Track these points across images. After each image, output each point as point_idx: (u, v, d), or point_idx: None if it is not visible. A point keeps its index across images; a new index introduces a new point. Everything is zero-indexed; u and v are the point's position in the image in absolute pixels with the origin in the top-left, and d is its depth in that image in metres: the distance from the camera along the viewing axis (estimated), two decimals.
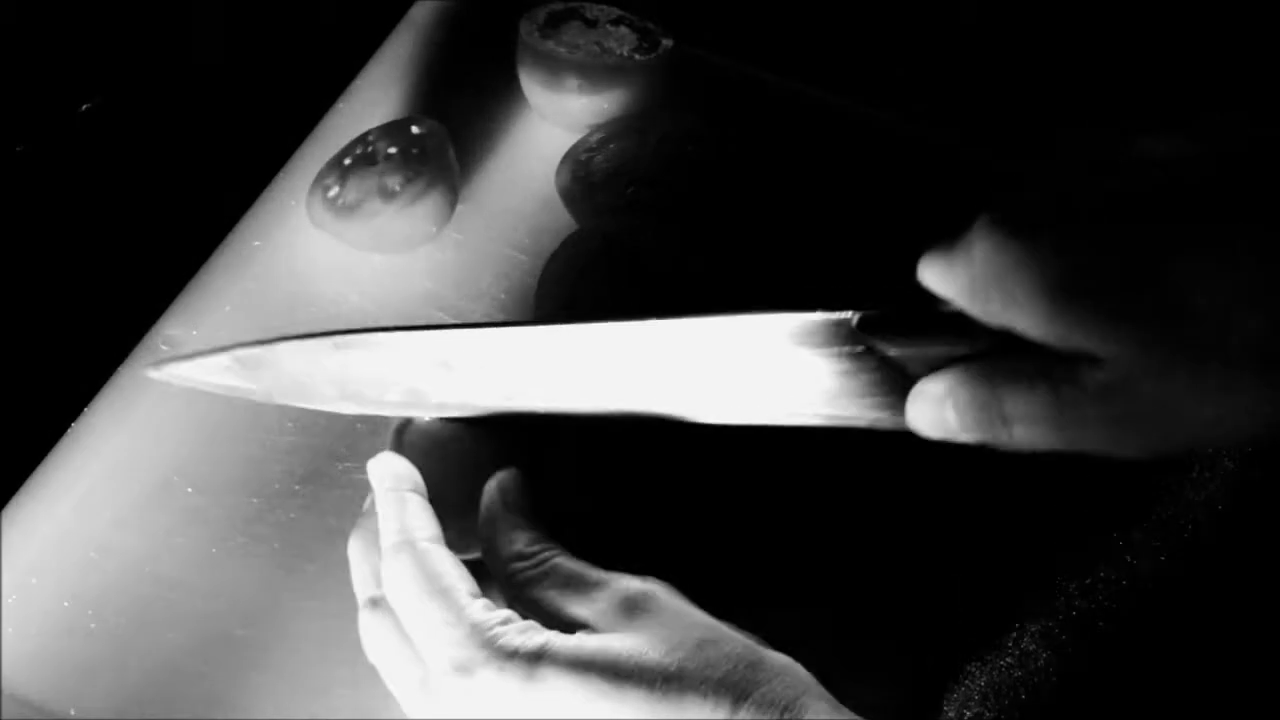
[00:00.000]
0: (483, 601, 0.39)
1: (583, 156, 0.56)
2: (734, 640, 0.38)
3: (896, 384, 0.39)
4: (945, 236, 0.35)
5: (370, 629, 0.42)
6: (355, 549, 0.44)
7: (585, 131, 0.57)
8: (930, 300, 0.36)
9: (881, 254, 0.55)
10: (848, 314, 0.39)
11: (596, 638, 0.37)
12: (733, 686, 0.36)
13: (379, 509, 0.42)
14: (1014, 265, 0.32)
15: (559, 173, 0.55)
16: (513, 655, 0.37)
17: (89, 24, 0.65)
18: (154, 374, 0.47)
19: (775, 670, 0.37)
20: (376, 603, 0.42)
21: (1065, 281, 0.31)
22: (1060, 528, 0.48)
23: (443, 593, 0.39)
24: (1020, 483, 0.48)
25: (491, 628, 0.38)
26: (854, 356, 0.39)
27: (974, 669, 0.45)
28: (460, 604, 0.39)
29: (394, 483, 0.43)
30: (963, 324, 0.35)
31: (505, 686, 0.37)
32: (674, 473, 0.48)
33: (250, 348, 0.46)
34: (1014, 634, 0.46)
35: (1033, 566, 0.47)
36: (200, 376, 0.47)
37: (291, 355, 0.45)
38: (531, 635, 0.38)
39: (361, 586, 0.43)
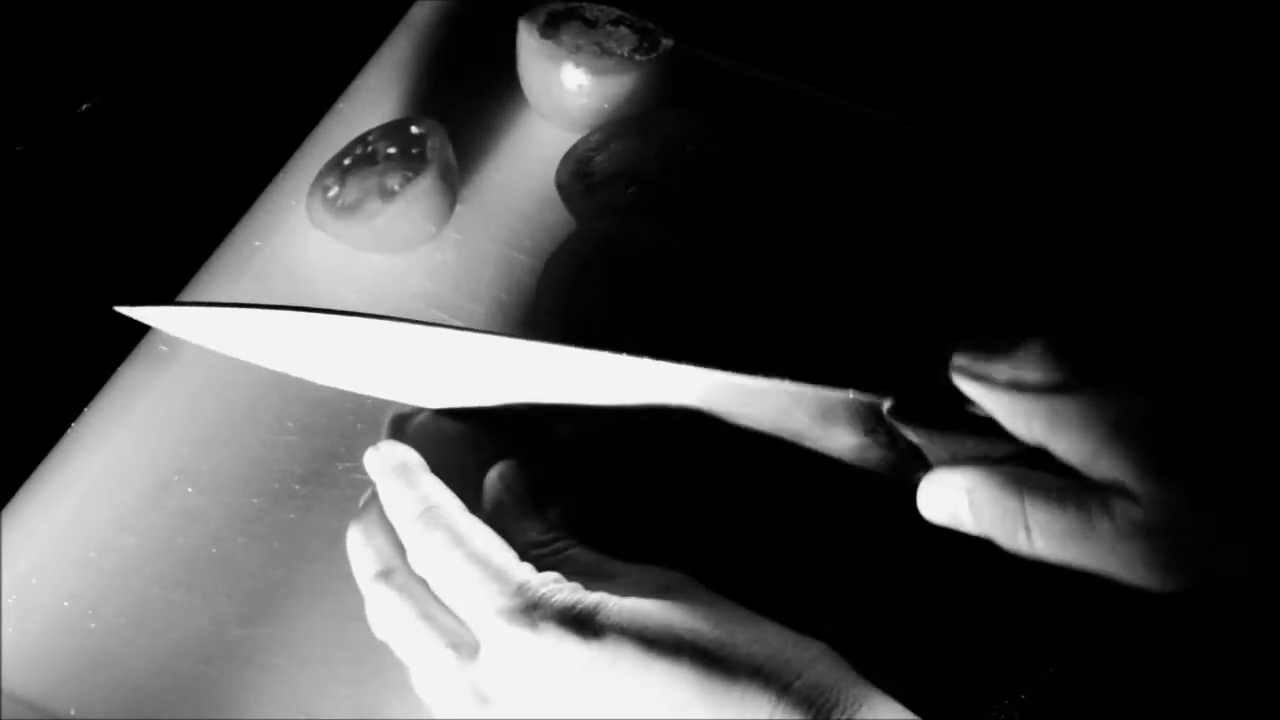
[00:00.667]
0: (528, 564, 0.39)
1: (583, 156, 0.56)
2: (772, 625, 0.37)
3: (913, 466, 0.39)
4: (973, 337, 0.35)
5: (382, 602, 0.40)
6: (356, 535, 0.43)
7: (585, 131, 0.57)
8: (960, 397, 0.37)
9: (881, 254, 0.55)
10: (882, 400, 0.39)
11: (650, 601, 0.37)
12: (779, 669, 0.35)
13: (388, 492, 0.42)
14: (1068, 397, 0.33)
15: (559, 172, 0.55)
16: (569, 610, 0.36)
17: (89, 24, 0.65)
18: (128, 310, 0.46)
19: (816, 655, 0.36)
20: (387, 574, 0.41)
21: (1118, 423, 0.32)
22: None
23: (486, 555, 0.38)
24: None
25: (546, 584, 0.37)
26: (875, 435, 0.40)
27: (993, 668, 0.45)
28: (507, 564, 0.38)
29: (400, 465, 0.42)
30: (993, 428, 0.36)
31: (563, 641, 0.36)
32: (676, 469, 0.48)
33: (270, 312, 0.45)
34: (1030, 641, 0.46)
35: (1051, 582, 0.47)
36: (205, 334, 0.45)
37: (311, 328, 0.45)
38: (584, 593, 0.37)
39: (366, 566, 0.42)
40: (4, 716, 0.44)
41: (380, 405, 0.49)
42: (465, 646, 0.38)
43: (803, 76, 0.61)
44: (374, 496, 0.43)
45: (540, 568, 0.39)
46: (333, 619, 0.46)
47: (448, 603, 0.39)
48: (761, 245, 0.55)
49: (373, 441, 0.49)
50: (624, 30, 0.57)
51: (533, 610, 0.37)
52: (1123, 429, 0.32)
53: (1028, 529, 0.35)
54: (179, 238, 0.57)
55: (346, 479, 0.49)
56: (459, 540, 0.39)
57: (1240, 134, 0.63)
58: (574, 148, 0.56)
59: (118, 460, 0.49)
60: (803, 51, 0.64)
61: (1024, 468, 0.36)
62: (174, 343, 0.52)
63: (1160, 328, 0.34)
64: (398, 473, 0.42)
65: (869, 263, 0.55)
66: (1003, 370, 0.35)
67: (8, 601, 0.46)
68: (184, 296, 0.54)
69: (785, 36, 0.66)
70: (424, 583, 0.40)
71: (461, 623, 0.39)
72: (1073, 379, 0.33)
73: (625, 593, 0.38)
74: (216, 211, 0.57)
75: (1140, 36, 0.66)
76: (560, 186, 0.55)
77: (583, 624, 0.36)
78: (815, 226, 0.56)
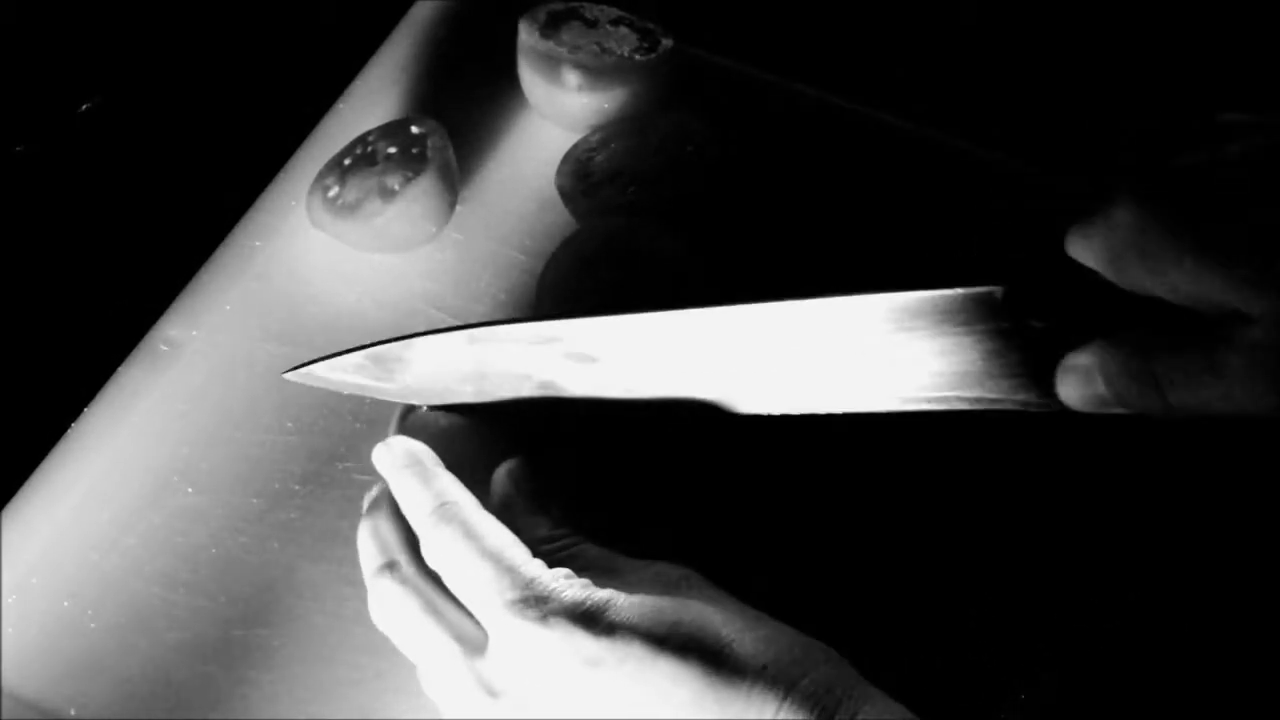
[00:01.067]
0: (539, 560, 0.39)
1: (583, 156, 0.56)
2: (778, 624, 0.37)
3: (1042, 361, 0.38)
4: (1085, 215, 0.35)
5: (385, 595, 0.40)
6: (365, 530, 0.42)
7: (585, 131, 0.57)
8: (1073, 274, 0.36)
9: (882, 253, 0.55)
10: (994, 288, 0.38)
11: (659, 598, 0.37)
12: (785, 668, 0.35)
13: (401, 487, 0.41)
14: (1156, 223, 0.33)
15: (559, 173, 0.55)
16: (579, 605, 0.36)
17: (89, 24, 0.65)
18: (290, 376, 0.47)
19: (821, 655, 0.36)
20: (392, 567, 0.40)
21: (1210, 240, 0.32)
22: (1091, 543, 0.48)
23: (498, 551, 0.38)
24: (1056, 499, 0.48)
25: (556, 579, 0.38)
26: (999, 334, 0.39)
27: (994, 668, 0.45)
28: (518, 560, 0.38)
29: (412, 460, 0.42)
30: (1107, 294, 0.35)
31: (572, 636, 0.36)
32: (684, 466, 0.48)
33: (386, 345, 0.45)
34: (1031, 641, 0.46)
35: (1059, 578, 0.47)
36: (334, 376, 0.46)
37: (426, 352, 0.45)
38: (594, 590, 0.37)
39: (370, 559, 0.41)
40: (4, 716, 0.44)
41: (380, 405, 0.49)
42: (471, 640, 0.38)
43: (803, 76, 0.61)
44: (382, 492, 0.43)
45: (550, 564, 0.39)
46: (334, 619, 0.46)
47: (459, 596, 0.39)
48: (761, 245, 0.55)
49: (372, 441, 0.49)
50: (624, 30, 0.57)
51: (542, 605, 0.37)
52: (1216, 245, 0.32)
53: (1158, 385, 0.34)
54: (179, 238, 0.57)
55: (346, 479, 0.49)
56: (471, 535, 0.39)
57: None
58: (574, 148, 0.56)
59: (118, 460, 0.49)
60: (802, 52, 0.64)
61: (1145, 329, 0.35)
62: (174, 342, 0.52)
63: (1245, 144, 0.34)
64: (411, 468, 0.42)
65: (869, 262, 0.55)
66: (1102, 222, 0.35)
67: (8, 601, 0.46)
68: (184, 296, 0.54)
69: (785, 36, 0.66)
70: (431, 577, 0.40)
71: (468, 617, 0.39)
72: (1165, 210, 0.33)
73: (634, 589, 0.38)
74: (216, 211, 0.57)
75: (1140, 36, 0.66)
76: (560, 186, 0.55)
77: (592, 620, 0.36)
78: (815, 227, 0.56)
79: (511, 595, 0.37)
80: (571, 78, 0.55)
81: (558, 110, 0.57)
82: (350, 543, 0.47)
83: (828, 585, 0.47)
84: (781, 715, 0.34)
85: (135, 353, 0.52)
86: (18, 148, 0.62)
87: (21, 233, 0.59)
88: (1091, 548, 0.48)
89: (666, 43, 0.56)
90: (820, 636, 0.37)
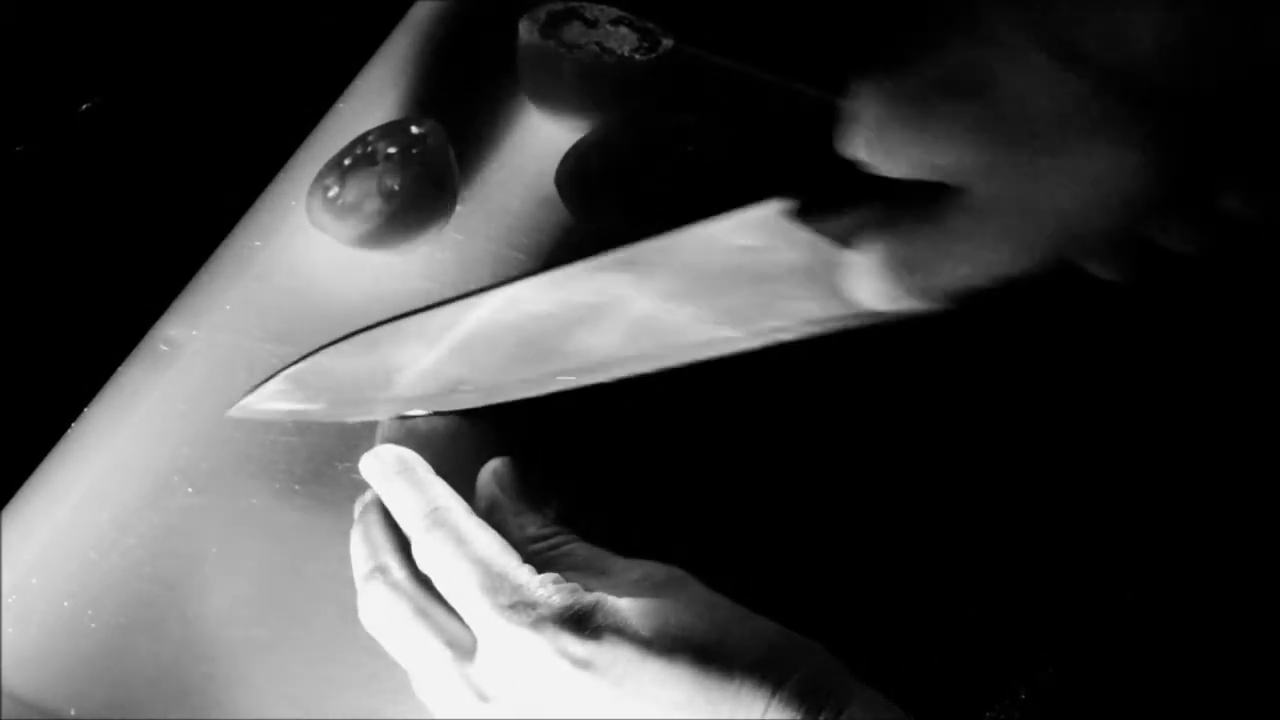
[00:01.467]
0: (528, 566, 0.39)
1: (582, 156, 0.56)
2: (766, 622, 0.38)
3: (830, 270, 0.40)
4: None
5: (374, 599, 0.40)
6: (356, 535, 0.43)
7: (585, 131, 0.57)
8: (852, 178, 0.39)
9: None
10: (778, 202, 0.40)
11: (647, 600, 0.37)
12: (774, 666, 0.35)
13: (393, 494, 0.42)
14: (883, 103, 0.36)
15: (559, 172, 0.55)
16: (567, 610, 0.37)
17: (89, 24, 0.65)
18: (234, 413, 0.48)
19: (809, 653, 0.37)
20: (382, 570, 0.41)
21: (921, 105, 0.35)
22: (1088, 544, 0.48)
23: (488, 557, 0.39)
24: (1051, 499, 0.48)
25: (545, 584, 0.38)
26: (796, 247, 0.40)
27: (993, 668, 0.45)
28: (508, 566, 0.38)
29: (403, 467, 0.42)
30: (879, 185, 0.38)
31: (560, 640, 0.36)
32: (670, 461, 0.48)
33: (293, 366, 0.46)
34: (1030, 641, 0.46)
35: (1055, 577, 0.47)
36: (266, 406, 0.47)
37: (333, 364, 0.45)
38: (582, 594, 0.37)
39: (362, 563, 0.42)
40: (4, 716, 0.44)
41: None
42: (461, 645, 0.38)
43: (802, 77, 0.61)
44: (374, 498, 0.43)
45: (537, 563, 0.39)
46: (333, 620, 0.46)
47: (450, 601, 0.39)
48: None
49: (372, 442, 0.49)
50: (624, 30, 0.57)
51: (531, 609, 0.37)
52: (921, 114, 0.35)
53: (912, 263, 0.37)
54: (179, 238, 0.57)
55: (346, 479, 0.49)
56: (462, 540, 0.39)
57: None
58: (574, 147, 0.56)
59: (118, 460, 0.49)
60: (802, 52, 0.64)
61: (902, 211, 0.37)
62: (174, 342, 0.52)
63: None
64: (402, 475, 0.42)
65: None
66: (853, 117, 0.37)
67: (8, 601, 0.46)
68: (184, 296, 0.54)
69: (785, 37, 0.66)
70: (422, 583, 0.40)
71: (459, 622, 0.39)
72: (890, 91, 0.36)
73: (622, 590, 0.38)
74: (216, 211, 0.57)
75: None
76: (560, 186, 0.55)
77: (580, 623, 0.36)
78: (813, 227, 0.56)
79: (501, 600, 0.37)
80: (571, 78, 0.55)
81: (557, 110, 0.57)
82: (349, 542, 0.47)
83: (819, 583, 0.47)
84: (770, 714, 0.34)
85: (135, 353, 0.52)
86: (18, 147, 0.62)
87: (21, 233, 0.59)
88: (1090, 547, 0.48)
89: (666, 43, 0.56)
90: (811, 634, 0.37)
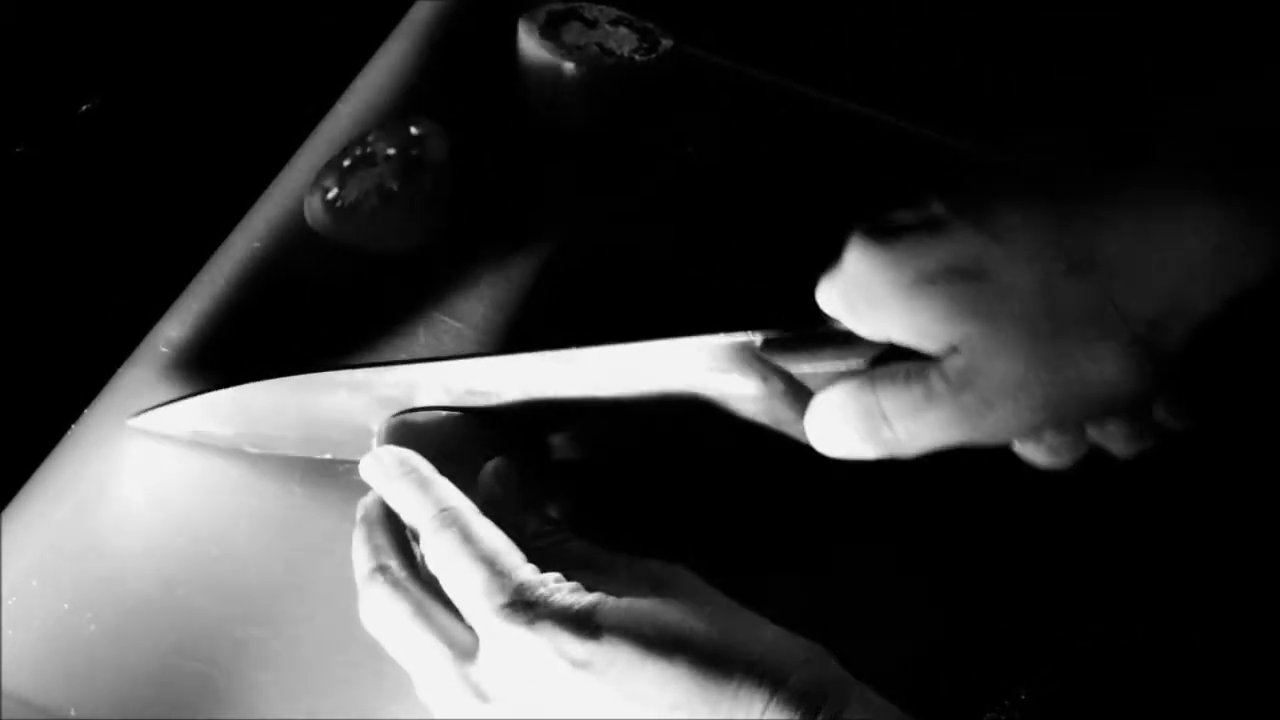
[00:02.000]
0: (531, 565, 0.39)
1: (580, 158, 0.56)
2: (764, 622, 0.38)
3: (804, 405, 0.41)
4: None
5: (375, 599, 0.40)
6: (358, 536, 0.43)
7: (586, 132, 0.57)
8: (824, 320, 0.40)
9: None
10: (752, 335, 0.41)
11: (646, 601, 0.37)
12: (773, 666, 0.35)
13: (398, 496, 0.42)
14: (875, 270, 0.37)
15: (557, 174, 0.55)
16: (567, 610, 0.37)
17: (89, 24, 0.65)
18: (132, 423, 0.49)
19: (810, 653, 0.37)
20: (382, 571, 0.41)
21: (916, 278, 0.37)
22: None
23: (491, 556, 0.39)
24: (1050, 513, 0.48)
25: (545, 584, 0.38)
26: (770, 381, 0.42)
27: (992, 668, 0.45)
28: (510, 565, 0.38)
29: (407, 469, 0.42)
30: (850, 339, 0.39)
31: (560, 640, 0.36)
32: (674, 463, 0.48)
33: (214, 393, 0.47)
34: (1030, 641, 0.46)
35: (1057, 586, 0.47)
36: (173, 425, 0.48)
37: (255, 399, 0.46)
38: (582, 594, 0.37)
39: (363, 563, 0.42)
40: (4, 717, 0.44)
41: None
42: (462, 645, 0.38)
43: (802, 77, 0.61)
44: (375, 499, 0.43)
45: (537, 562, 0.39)
46: (333, 619, 0.46)
47: (454, 600, 0.39)
48: (759, 246, 0.55)
49: (371, 441, 0.49)
50: (624, 30, 0.57)
51: (530, 609, 0.37)
52: (920, 282, 0.37)
53: (886, 418, 0.38)
54: (179, 239, 0.57)
55: (346, 479, 0.49)
56: (467, 540, 0.39)
57: None
58: (570, 150, 0.56)
59: (118, 461, 0.49)
60: (802, 52, 0.64)
61: (880, 367, 0.39)
62: (174, 343, 0.52)
63: (950, 194, 0.38)
64: (407, 476, 0.42)
65: None
66: (835, 269, 0.39)
67: (8, 603, 0.46)
68: (184, 299, 0.54)
69: (785, 36, 0.66)
70: (424, 583, 0.40)
71: (460, 622, 0.39)
72: (881, 253, 0.37)
73: (622, 589, 0.38)
74: (216, 213, 0.57)
75: (1140, 37, 0.66)
76: (556, 188, 0.55)
77: (579, 623, 0.36)
78: (813, 227, 0.56)
79: (501, 600, 0.37)
80: (572, 78, 0.55)
81: (558, 110, 0.57)
82: (350, 543, 0.47)
83: (819, 582, 0.47)
84: (769, 714, 0.34)
85: (135, 354, 0.52)
86: (18, 149, 0.62)
87: (22, 234, 0.59)
88: (1090, 548, 0.48)
89: (666, 43, 0.56)
90: (811, 635, 0.37)
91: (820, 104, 0.60)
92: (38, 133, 0.62)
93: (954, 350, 0.37)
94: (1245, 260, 0.34)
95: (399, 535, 0.42)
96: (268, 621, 0.46)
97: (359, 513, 0.43)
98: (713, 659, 0.35)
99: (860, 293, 0.38)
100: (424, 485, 0.41)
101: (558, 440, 0.47)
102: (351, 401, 0.46)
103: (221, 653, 0.45)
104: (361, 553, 0.42)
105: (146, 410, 0.48)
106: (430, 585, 0.40)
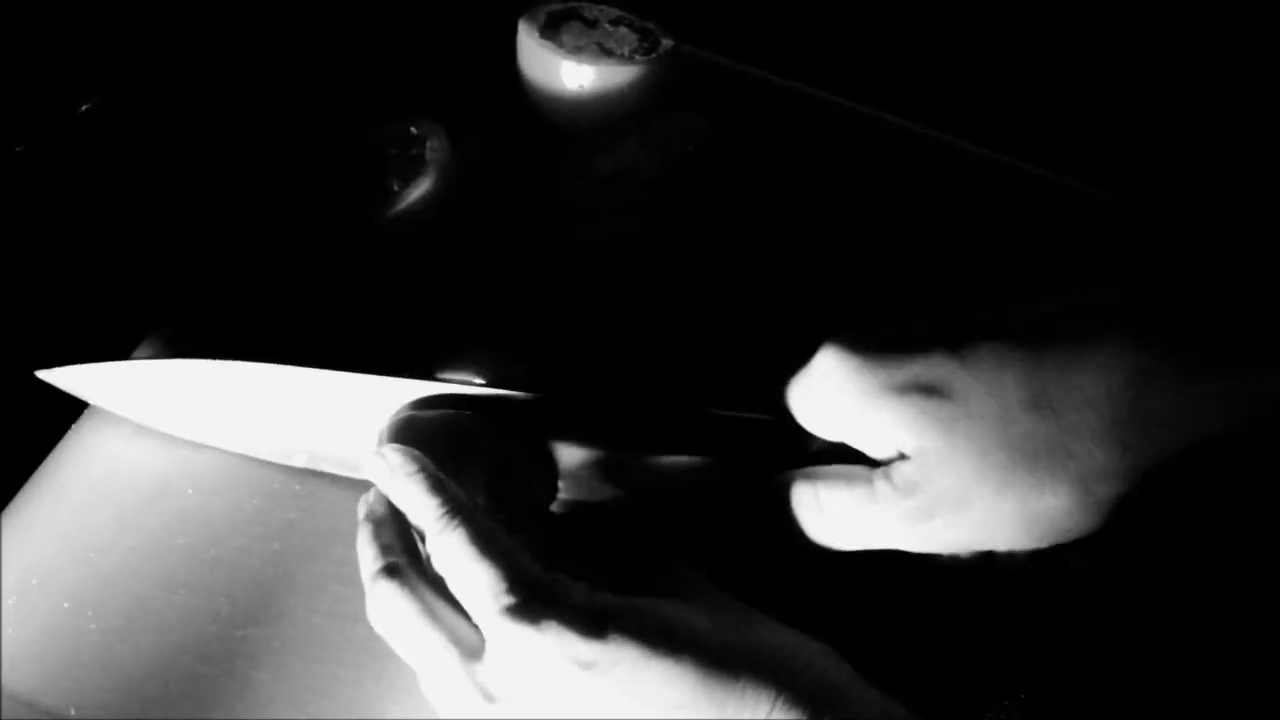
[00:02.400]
0: (538, 565, 0.39)
1: (584, 156, 0.56)
2: (771, 622, 0.38)
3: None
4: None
5: (383, 598, 0.40)
6: (363, 534, 0.42)
7: (586, 131, 0.57)
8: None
9: (881, 252, 0.55)
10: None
11: (652, 600, 0.37)
12: (779, 668, 0.36)
13: (404, 495, 0.41)
14: (846, 376, 0.39)
15: (560, 173, 0.55)
16: (574, 609, 0.37)
17: (88, 24, 0.65)
18: (41, 374, 0.50)
19: (816, 653, 0.37)
20: (392, 570, 0.40)
21: (883, 387, 0.39)
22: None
23: (502, 553, 0.38)
24: None
25: (551, 583, 0.38)
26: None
27: (993, 668, 0.45)
28: (518, 564, 0.38)
29: (413, 468, 0.42)
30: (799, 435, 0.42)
31: (566, 640, 0.36)
32: (679, 458, 0.48)
33: (122, 363, 0.48)
34: (1031, 641, 0.46)
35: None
36: (70, 380, 0.50)
37: (156, 375, 0.48)
38: (589, 594, 0.37)
39: (371, 562, 0.41)
40: (4, 716, 0.44)
41: None
42: (468, 644, 0.38)
43: (802, 77, 0.61)
44: (379, 496, 0.43)
45: (543, 560, 0.39)
46: (333, 619, 0.46)
47: (460, 600, 0.39)
48: (761, 245, 0.55)
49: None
50: (624, 30, 0.57)
51: (536, 609, 0.37)
52: (882, 392, 0.39)
53: (820, 507, 0.41)
54: (178, 238, 0.57)
55: (346, 479, 0.49)
56: (473, 540, 0.39)
57: (1242, 135, 0.63)
58: (575, 147, 0.56)
59: (118, 461, 0.49)
60: (802, 52, 0.64)
61: (827, 465, 0.42)
62: (173, 343, 0.52)
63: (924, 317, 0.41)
64: (413, 476, 0.42)
65: (866, 262, 0.55)
66: (802, 374, 0.41)
67: (8, 602, 0.46)
68: (184, 298, 0.54)
69: (785, 37, 0.66)
70: (430, 582, 0.40)
71: (466, 622, 0.39)
72: (850, 364, 0.40)
73: (629, 588, 0.38)
74: (215, 212, 0.57)
75: (1141, 38, 0.66)
76: (561, 187, 0.55)
77: (586, 623, 0.36)
78: (814, 226, 0.56)
79: (507, 600, 0.37)
80: (572, 78, 0.55)
81: (558, 110, 0.57)
82: (350, 543, 0.47)
83: (824, 583, 0.47)
84: (775, 714, 0.34)
85: (135, 353, 0.52)
86: (17, 148, 0.62)
87: (22, 233, 0.59)
88: (1090, 549, 0.48)
89: (666, 43, 0.56)
90: (818, 634, 0.37)
91: (820, 104, 0.60)
92: (38, 132, 0.62)
93: (903, 458, 0.39)
94: (1200, 416, 0.38)
95: (405, 534, 0.42)
96: (267, 621, 0.46)
97: (361, 510, 0.43)
98: (719, 659, 0.35)
99: (824, 397, 0.40)
100: (430, 484, 0.41)
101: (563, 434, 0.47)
102: (237, 400, 0.47)
103: (221, 653, 0.45)
104: (368, 552, 0.42)
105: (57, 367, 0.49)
106: (437, 584, 0.40)
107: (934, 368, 0.39)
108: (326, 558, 0.47)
